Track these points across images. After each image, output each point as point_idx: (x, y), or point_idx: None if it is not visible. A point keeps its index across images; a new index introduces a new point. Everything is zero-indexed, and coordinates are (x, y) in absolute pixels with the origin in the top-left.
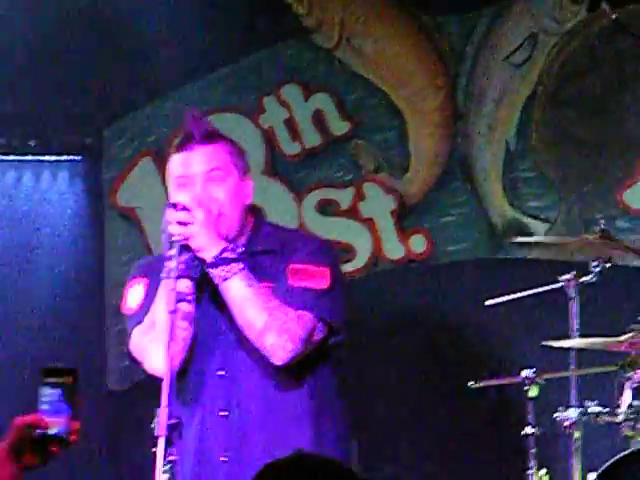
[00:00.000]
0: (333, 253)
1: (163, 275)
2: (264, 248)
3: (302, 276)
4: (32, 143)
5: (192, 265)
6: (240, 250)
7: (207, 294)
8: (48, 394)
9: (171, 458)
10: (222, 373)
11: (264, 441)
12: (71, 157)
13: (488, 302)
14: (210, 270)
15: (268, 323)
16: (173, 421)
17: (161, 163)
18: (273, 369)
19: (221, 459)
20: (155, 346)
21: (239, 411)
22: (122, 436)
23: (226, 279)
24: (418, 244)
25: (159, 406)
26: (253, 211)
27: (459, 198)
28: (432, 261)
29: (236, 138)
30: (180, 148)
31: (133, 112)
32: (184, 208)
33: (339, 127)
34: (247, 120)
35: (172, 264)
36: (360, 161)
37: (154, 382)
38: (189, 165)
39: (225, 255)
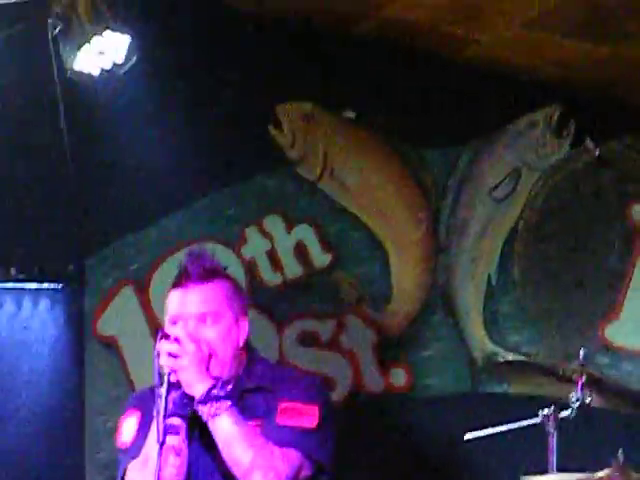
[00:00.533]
0: (324, 390)
1: (155, 413)
2: (256, 385)
3: (291, 414)
4: (13, 271)
5: (182, 403)
6: (229, 388)
7: (197, 433)
8: None
9: None
10: None
11: None
12: (52, 285)
13: (467, 436)
14: (198, 407)
15: (254, 461)
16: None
17: (142, 292)
18: None
19: None
20: None
21: None
22: None
23: (214, 416)
24: (398, 377)
25: None
26: (247, 347)
27: (440, 332)
28: (412, 394)
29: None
30: (176, 285)
31: (115, 241)
32: (176, 340)
33: (321, 259)
34: (229, 250)
35: (162, 403)
36: (341, 293)
37: None
38: (183, 304)
39: (213, 392)
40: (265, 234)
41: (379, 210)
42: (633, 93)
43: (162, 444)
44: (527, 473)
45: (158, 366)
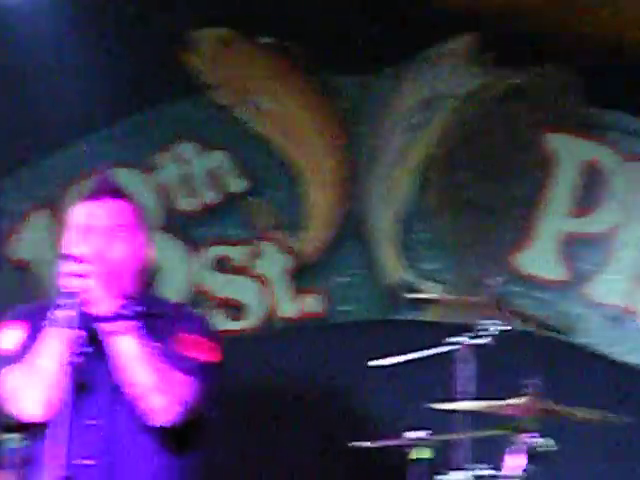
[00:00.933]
0: (217, 332)
1: (50, 322)
2: (159, 311)
3: (192, 345)
4: None
5: (82, 317)
6: (138, 309)
7: (94, 346)
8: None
9: None
10: (93, 422)
11: None
12: None
13: (371, 363)
14: (103, 324)
15: (156, 384)
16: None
17: (55, 217)
18: (148, 430)
19: None
20: (32, 392)
21: (106, 459)
22: None
23: (118, 334)
24: (313, 303)
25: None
26: (146, 274)
27: (355, 259)
28: (326, 321)
29: (132, 194)
30: (87, 199)
31: (28, 165)
32: (81, 260)
33: (236, 185)
34: (143, 175)
35: (61, 313)
36: (256, 219)
37: None
38: (94, 217)
39: (120, 311)
40: (179, 159)
41: (295, 137)
42: (545, 22)
43: (72, 364)
44: (438, 401)
45: (61, 286)
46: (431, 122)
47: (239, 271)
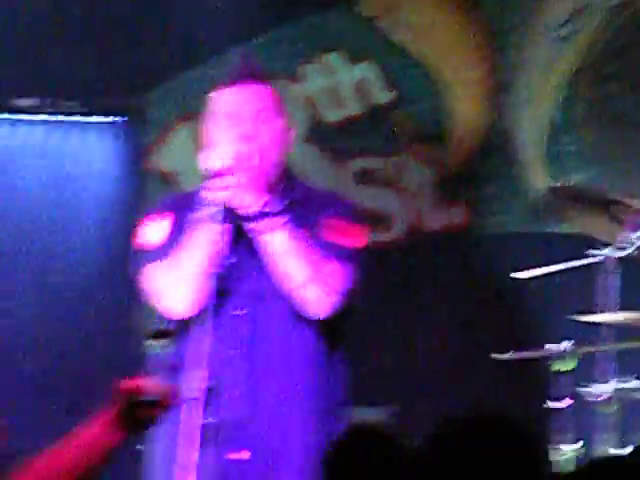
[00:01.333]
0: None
1: (197, 219)
2: (303, 198)
3: (339, 231)
4: (78, 104)
5: (229, 215)
6: (285, 202)
7: (241, 243)
8: (157, 356)
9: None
10: (238, 312)
11: (277, 380)
12: (115, 119)
13: (515, 274)
14: (252, 223)
15: (310, 277)
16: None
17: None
18: (303, 323)
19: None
20: (178, 289)
21: (253, 349)
22: None
23: (268, 232)
24: (458, 215)
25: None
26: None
27: (501, 171)
28: (471, 232)
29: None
30: (230, 84)
31: (176, 76)
32: (221, 173)
33: (381, 97)
34: (289, 86)
35: (208, 211)
36: (402, 131)
37: None
38: (239, 103)
39: (267, 209)
40: (325, 71)
41: (440, 48)
42: None
43: (216, 276)
44: (584, 313)
45: (209, 190)
46: (580, 33)
47: (384, 183)
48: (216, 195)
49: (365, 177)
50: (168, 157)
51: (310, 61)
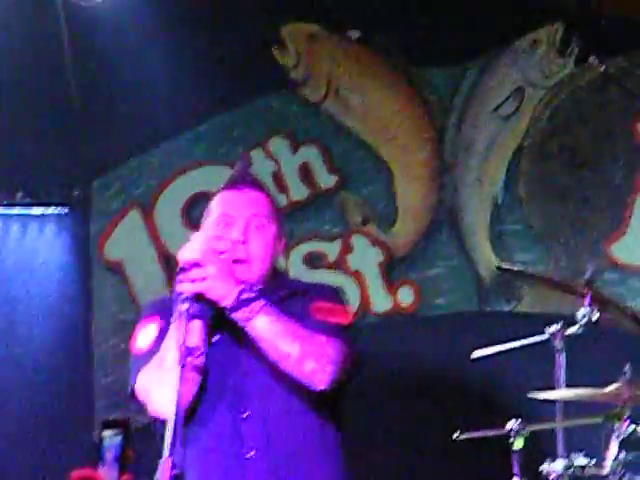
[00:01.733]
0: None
1: (173, 319)
2: (290, 291)
3: (326, 312)
4: (18, 195)
5: (205, 308)
6: (257, 288)
7: (226, 337)
8: (107, 446)
9: None
10: (247, 414)
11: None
12: (58, 210)
13: (475, 354)
14: (233, 315)
15: (304, 350)
16: (176, 472)
17: (148, 216)
18: (304, 406)
19: None
20: (160, 388)
21: (268, 451)
22: None
23: (250, 319)
24: (406, 296)
25: (159, 457)
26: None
27: (446, 250)
28: (420, 313)
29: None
30: (229, 187)
31: (120, 165)
32: (195, 265)
33: (326, 180)
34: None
35: (183, 307)
36: (347, 214)
37: (147, 431)
38: (235, 205)
39: (244, 296)
40: (270, 156)
41: (384, 130)
42: (636, 8)
43: (183, 366)
44: (535, 390)
45: (178, 294)
46: (521, 112)
47: (332, 266)
48: (185, 287)
49: (313, 261)
50: (115, 246)
51: (255, 146)
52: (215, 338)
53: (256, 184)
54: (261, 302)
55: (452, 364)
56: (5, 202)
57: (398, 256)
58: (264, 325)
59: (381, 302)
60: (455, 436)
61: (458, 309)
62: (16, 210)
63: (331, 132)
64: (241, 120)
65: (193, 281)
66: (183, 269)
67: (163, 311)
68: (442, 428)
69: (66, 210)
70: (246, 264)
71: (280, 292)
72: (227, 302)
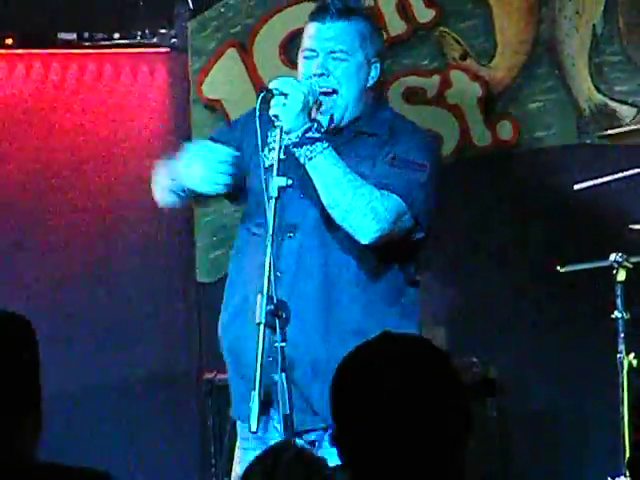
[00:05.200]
0: (437, 152)
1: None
2: (372, 132)
3: (400, 165)
4: (116, 35)
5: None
6: (323, 129)
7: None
8: None
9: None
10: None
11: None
12: (156, 50)
13: (577, 186)
14: (295, 150)
15: (353, 202)
16: (272, 307)
17: (246, 54)
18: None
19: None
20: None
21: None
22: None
23: (311, 158)
24: (505, 131)
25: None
26: (378, 94)
27: (546, 84)
28: (519, 148)
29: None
30: (314, 17)
31: (217, 3)
32: (274, 92)
33: (424, 14)
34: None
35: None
36: (445, 49)
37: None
38: (316, 39)
39: (309, 135)
40: None
41: None
42: None
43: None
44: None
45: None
46: None
47: (431, 102)
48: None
49: (412, 96)
50: (213, 85)
51: None
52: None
53: (342, 13)
54: (324, 144)
55: (553, 197)
56: (103, 43)
57: (497, 91)
58: (322, 167)
59: (481, 136)
60: (558, 268)
61: (558, 142)
62: (113, 50)
63: None
64: None
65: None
66: (266, 90)
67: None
68: (544, 260)
69: (165, 49)
70: (334, 94)
71: (362, 128)
72: (293, 135)
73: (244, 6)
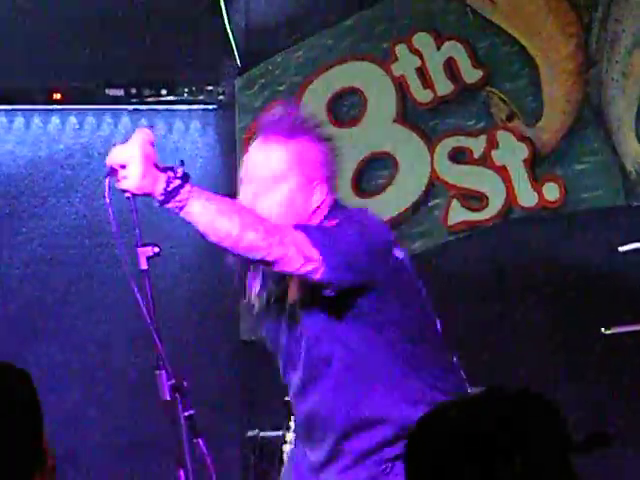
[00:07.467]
0: (361, 216)
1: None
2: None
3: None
4: (164, 92)
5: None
6: (180, 171)
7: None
8: None
9: None
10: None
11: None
12: (203, 107)
13: (622, 248)
14: (166, 207)
15: (241, 223)
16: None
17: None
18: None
19: None
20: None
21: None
22: (257, 385)
23: (182, 207)
24: (551, 192)
25: None
26: (329, 207)
27: (592, 145)
28: (566, 209)
29: (368, 86)
30: (254, 138)
31: (264, 61)
32: (120, 167)
33: (471, 75)
34: (379, 68)
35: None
36: (492, 109)
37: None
38: (249, 165)
39: (170, 187)
40: (415, 51)
41: (529, 25)
42: None
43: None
44: None
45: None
46: None
47: (477, 162)
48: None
49: (458, 156)
50: None
51: (400, 41)
52: None
53: (280, 135)
54: (187, 187)
55: (599, 259)
56: (151, 100)
57: (544, 152)
58: (198, 208)
59: (527, 198)
60: (604, 330)
61: (604, 204)
62: (161, 106)
63: (476, 27)
64: (385, 15)
65: (119, 181)
66: (112, 171)
67: None
68: (589, 323)
69: (212, 107)
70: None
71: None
72: (157, 194)
73: (291, 64)
